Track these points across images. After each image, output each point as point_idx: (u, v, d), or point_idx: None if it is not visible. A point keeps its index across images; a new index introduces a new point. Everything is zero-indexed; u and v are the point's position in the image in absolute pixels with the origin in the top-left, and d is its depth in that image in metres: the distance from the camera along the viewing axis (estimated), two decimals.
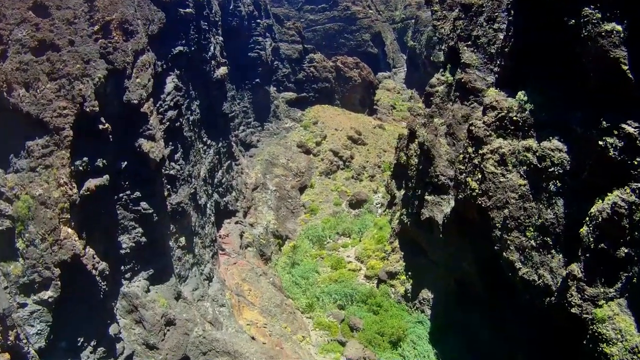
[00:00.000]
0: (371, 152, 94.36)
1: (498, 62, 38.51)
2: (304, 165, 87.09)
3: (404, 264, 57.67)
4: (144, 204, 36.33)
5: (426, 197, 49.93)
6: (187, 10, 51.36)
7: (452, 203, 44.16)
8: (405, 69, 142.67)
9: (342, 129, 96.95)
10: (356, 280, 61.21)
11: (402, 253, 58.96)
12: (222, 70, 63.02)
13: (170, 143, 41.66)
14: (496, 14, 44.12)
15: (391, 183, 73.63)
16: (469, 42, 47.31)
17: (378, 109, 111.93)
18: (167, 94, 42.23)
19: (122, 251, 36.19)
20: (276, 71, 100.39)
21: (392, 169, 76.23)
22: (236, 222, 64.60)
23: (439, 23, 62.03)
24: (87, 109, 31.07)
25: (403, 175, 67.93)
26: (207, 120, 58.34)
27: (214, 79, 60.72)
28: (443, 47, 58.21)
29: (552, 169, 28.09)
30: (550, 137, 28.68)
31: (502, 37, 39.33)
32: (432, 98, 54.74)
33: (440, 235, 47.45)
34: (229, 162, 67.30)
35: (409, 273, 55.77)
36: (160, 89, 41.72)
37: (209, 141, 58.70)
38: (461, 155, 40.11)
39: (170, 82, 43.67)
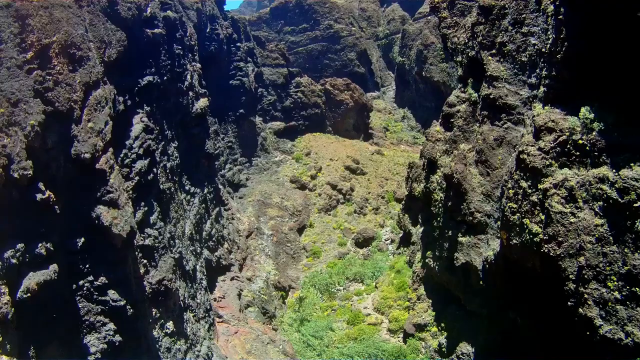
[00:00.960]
0: (372, 182, 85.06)
1: (539, 73, 32.77)
2: (300, 202, 77.53)
3: (433, 313, 50.15)
4: (112, 294, 26.35)
5: (459, 238, 42.06)
6: (157, 30, 41.66)
7: (494, 244, 37.42)
8: (394, 87, 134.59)
9: (337, 159, 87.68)
10: (379, 336, 52.68)
11: (430, 301, 51.61)
12: (203, 102, 53.46)
13: (143, 203, 31.75)
14: (523, 15, 37.21)
15: (404, 218, 64.80)
16: (494, 51, 40.25)
17: (374, 133, 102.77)
18: (135, 139, 32.37)
19: (91, 358, 25.96)
20: (261, 99, 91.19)
21: (403, 202, 67.03)
22: (232, 279, 55.07)
23: (449, 31, 54.66)
24: (16, 174, 20.98)
25: (418, 209, 60.93)
26: (188, 164, 48.75)
27: (193, 113, 51.09)
28: (460, 59, 50.51)
29: (639, 203, 22.42)
30: (632, 164, 23.28)
31: (534, 42, 35.28)
32: (452, 120, 47.50)
33: (481, 282, 40.17)
34: (217, 209, 57.60)
35: (441, 324, 48.26)
36: (124, 132, 31.86)
37: (192, 189, 49.00)
38: (510, 191, 32.19)
39: (138, 123, 33.85)
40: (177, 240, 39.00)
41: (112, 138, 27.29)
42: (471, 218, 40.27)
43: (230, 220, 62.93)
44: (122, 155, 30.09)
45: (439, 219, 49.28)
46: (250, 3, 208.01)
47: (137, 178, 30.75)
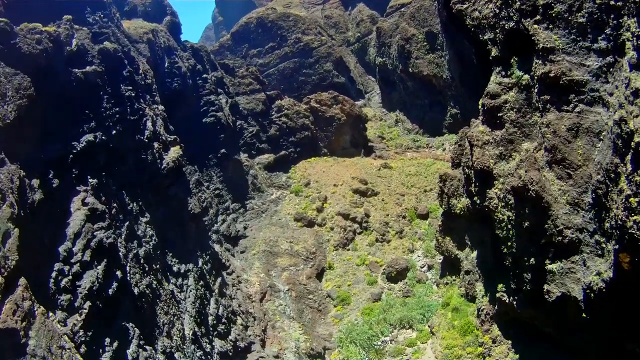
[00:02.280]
0: (388, 202, 73.48)
1: (612, 33, 26.48)
2: (311, 242, 65.76)
3: (516, 356, 40.30)
4: None
5: (548, 266, 32.31)
6: (89, 69, 29.80)
7: (596, 265, 29.03)
8: (379, 92, 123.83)
9: (342, 183, 76.03)
10: None
11: (509, 342, 41.46)
12: (174, 151, 41.89)
13: (108, 340, 19.74)
14: None
15: (444, 241, 53.65)
16: (538, 17, 32.46)
17: (374, 146, 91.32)
18: (75, 237, 20.27)
19: None
20: (242, 133, 79.58)
21: (440, 222, 55.37)
22: None
23: (465, 6, 45.13)
24: None
25: (462, 229, 50.16)
26: (172, 236, 36.91)
27: (164, 169, 39.36)
28: (491, 36, 40.63)
29: None
30: None
31: None
32: (500, 114, 37.54)
33: (584, 315, 30.97)
34: (219, 278, 45.93)
35: None
36: (57, 231, 19.74)
37: (182, 267, 37.33)
38: (632, 200, 22.25)
39: (79, 209, 22.04)
40: (177, 354, 27.00)
41: (27, 255, 15.29)
42: (560, 238, 30.87)
43: (237, 286, 51.14)
44: (54, 273, 17.99)
45: (509, 243, 38.21)
46: (208, 37, 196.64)
47: (87, 305, 18.67)
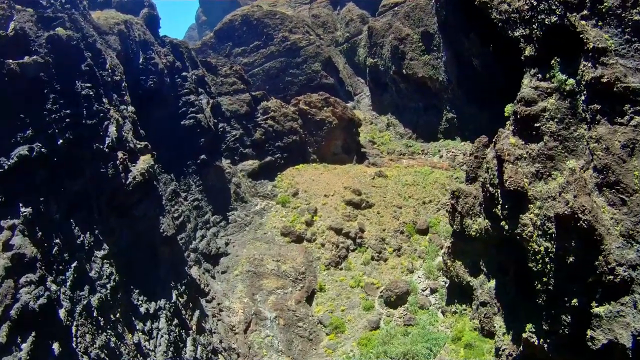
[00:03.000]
0: (384, 215, 67.11)
1: None
2: (300, 261, 59.16)
3: None
4: None
5: (595, 309, 27.24)
6: (28, 60, 22.84)
7: None
8: (368, 94, 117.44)
9: (333, 193, 69.56)
10: None
11: None
12: (144, 162, 35.10)
13: None
14: None
15: (454, 264, 47.81)
16: (585, 12, 28.58)
17: (367, 152, 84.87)
18: None
19: None
20: (224, 136, 72.81)
21: (449, 245, 49.10)
22: None
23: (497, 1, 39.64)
24: None
25: (476, 253, 45.00)
26: (136, 267, 29.93)
27: (129, 185, 32.36)
28: (525, 32, 34.91)
29: None
30: None
31: None
32: (536, 124, 32.42)
33: None
34: (197, 311, 39.11)
35: None
36: None
37: (151, 306, 30.57)
38: None
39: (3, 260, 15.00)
40: None
41: None
42: (611, 277, 26.17)
43: (217, 316, 44.40)
44: None
45: (545, 279, 32.13)
46: (192, 37, 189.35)
47: None
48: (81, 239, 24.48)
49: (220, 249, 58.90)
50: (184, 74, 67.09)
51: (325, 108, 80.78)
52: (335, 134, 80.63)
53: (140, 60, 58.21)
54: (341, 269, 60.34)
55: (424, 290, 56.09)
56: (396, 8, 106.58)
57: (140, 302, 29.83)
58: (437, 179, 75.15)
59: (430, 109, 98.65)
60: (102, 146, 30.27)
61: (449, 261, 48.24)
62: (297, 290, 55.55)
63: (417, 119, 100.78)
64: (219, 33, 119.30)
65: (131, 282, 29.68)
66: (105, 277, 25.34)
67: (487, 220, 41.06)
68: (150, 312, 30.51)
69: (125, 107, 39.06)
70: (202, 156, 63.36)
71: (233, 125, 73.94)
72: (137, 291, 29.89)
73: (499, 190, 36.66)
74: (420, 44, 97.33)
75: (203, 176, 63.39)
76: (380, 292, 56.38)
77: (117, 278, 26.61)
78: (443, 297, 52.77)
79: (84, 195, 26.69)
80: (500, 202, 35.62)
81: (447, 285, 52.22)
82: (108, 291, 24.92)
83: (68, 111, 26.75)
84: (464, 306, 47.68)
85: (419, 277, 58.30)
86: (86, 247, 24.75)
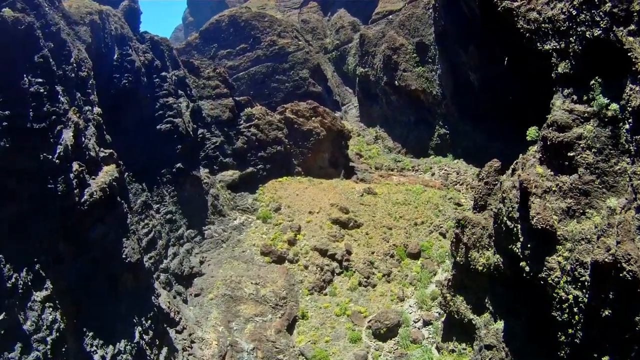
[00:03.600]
0: (373, 236, 62.23)
1: None
2: (281, 284, 53.90)
3: None
4: None
5: None
6: None
7: None
8: (357, 104, 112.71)
9: (319, 210, 64.52)
10: None
11: None
12: (106, 174, 29.83)
13: None
14: None
15: (454, 299, 43.41)
16: (632, 27, 24.60)
17: (356, 166, 79.89)
18: None
19: None
20: (203, 143, 67.46)
21: (451, 277, 44.16)
22: None
23: (518, 4, 34.57)
24: None
25: (481, 289, 40.02)
26: (90, 304, 24.52)
27: (84, 203, 26.79)
28: (558, 46, 30.09)
29: None
30: None
31: None
32: (570, 153, 28.59)
33: None
34: (165, 349, 33.65)
35: None
36: None
37: (108, 352, 24.89)
38: None
39: None
40: None
41: None
42: None
43: (189, 349, 39.11)
44: None
45: (570, 330, 27.39)
46: (178, 38, 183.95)
47: None
48: (13, 280, 19.13)
49: (194, 269, 53.51)
50: (163, 74, 61.81)
51: (313, 118, 75.80)
52: (322, 146, 75.62)
53: (115, 56, 52.88)
54: (326, 295, 55.19)
55: (416, 322, 51.30)
56: (390, 16, 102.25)
57: (94, 347, 24.46)
58: (430, 199, 70.42)
59: (421, 123, 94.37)
60: (51, 156, 24.78)
61: (448, 295, 43.23)
62: (277, 317, 50.25)
63: (407, 133, 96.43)
64: (205, 34, 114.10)
65: (83, 323, 24.34)
66: (45, 327, 20.00)
67: (498, 256, 36.26)
68: (107, 356, 25.08)
69: (90, 108, 33.71)
70: (178, 164, 58.02)
71: (213, 131, 68.61)
72: (90, 334, 24.54)
73: (518, 226, 31.84)
74: (415, 55, 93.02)
75: (178, 186, 58.01)
76: (369, 323, 51.30)
77: (62, 326, 21.25)
78: (438, 331, 47.83)
79: (20, 221, 21.28)
80: (521, 240, 30.73)
81: (443, 319, 47.19)
82: (48, 347, 19.56)
83: (7, 112, 21.41)
84: (463, 345, 42.64)
85: (410, 307, 53.45)
86: (20, 290, 19.40)
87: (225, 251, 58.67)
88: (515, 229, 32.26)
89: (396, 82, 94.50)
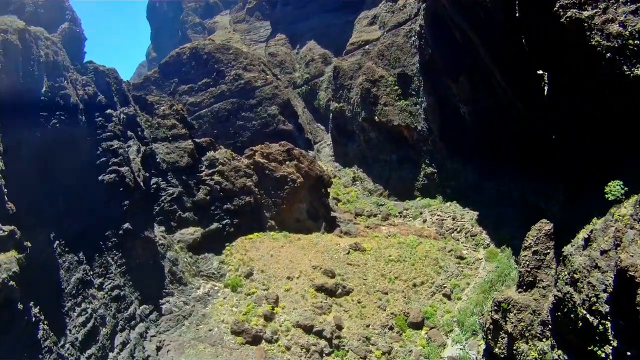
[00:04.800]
0: (366, 304, 51.62)
1: None
2: None
3: None
4: None
5: None
6: None
7: None
8: (330, 142, 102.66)
9: (299, 275, 53.78)
10: None
11: None
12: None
13: None
14: None
15: None
16: None
17: (337, 217, 69.15)
18: None
19: None
20: (158, 196, 56.20)
21: None
22: None
23: (587, 13, 23.66)
24: None
25: None
26: None
27: None
28: None
29: None
30: None
31: None
32: None
33: None
34: None
35: None
36: None
37: None
38: None
39: None
40: None
41: None
42: None
43: None
44: None
45: None
46: (141, 75, 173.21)
47: None
48: None
49: (149, 358, 41.93)
50: (108, 111, 50.86)
51: (287, 162, 65.09)
52: (299, 195, 64.65)
53: (44, 89, 41.63)
54: None
55: None
56: (367, 46, 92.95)
57: None
58: (428, 253, 60.25)
59: (405, 162, 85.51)
60: None
61: None
62: None
63: (389, 173, 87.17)
64: (164, 68, 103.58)
65: None
66: None
67: (559, 351, 25.96)
68: None
69: None
70: (126, 224, 46.70)
71: (170, 181, 57.41)
72: None
73: (608, 324, 21.61)
74: (396, 87, 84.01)
75: (127, 252, 46.66)
76: None
77: None
78: None
79: None
80: (615, 344, 20.52)
81: None
82: None
83: None
84: None
85: None
86: None
87: (188, 331, 47.11)
88: (601, 326, 22.04)
89: (376, 117, 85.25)
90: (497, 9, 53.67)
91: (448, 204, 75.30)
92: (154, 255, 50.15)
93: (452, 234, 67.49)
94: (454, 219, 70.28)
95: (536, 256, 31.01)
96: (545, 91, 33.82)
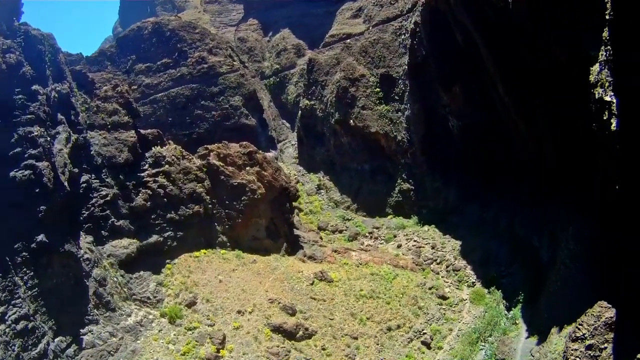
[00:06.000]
0: (332, 352, 42.81)
1: None
2: None
3: None
4: None
5: None
6: None
7: None
8: (295, 142, 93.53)
9: (252, 309, 44.43)
10: None
11: None
12: None
13: None
14: None
15: None
16: None
17: (301, 236, 59.43)
18: None
19: None
20: (87, 198, 45.52)
21: None
22: None
23: None
24: None
25: None
26: None
27: None
28: None
29: None
30: None
31: None
32: None
33: None
34: None
35: None
36: None
37: None
38: None
39: None
40: None
41: None
42: None
43: None
44: None
45: None
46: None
47: None
48: None
49: None
50: (34, 87, 40.57)
51: (248, 168, 55.00)
52: (258, 209, 54.46)
53: None
54: None
55: None
56: (349, 40, 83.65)
57: None
58: (405, 288, 51.74)
59: (378, 173, 77.95)
60: None
61: None
62: None
63: (359, 184, 79.32)
64: (122, 42, 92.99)
65: None
66: None
67: None
68: None
69: None
70: (41, 237, 36.39)
71: (104, 180, 46.89)
72: None
73: None
74: (378, 89, 75.75)
75: (40, 271, 36.52)
76: None
77: None
78: None
79: None
80: None
81: None
82: None
83: None
84: None
85: None
86: None
87: None
88: None
89: (351, 120, 76.69)
90: (515, 11, 44.91)
91: (426, 227, 67.16)
92: (77, 274, 39.86)
93: (432, 265, 59.17)
94: (433, 248, 61.90)
95: (590, 352, 22.28)
96: (613, 122, 24.98)
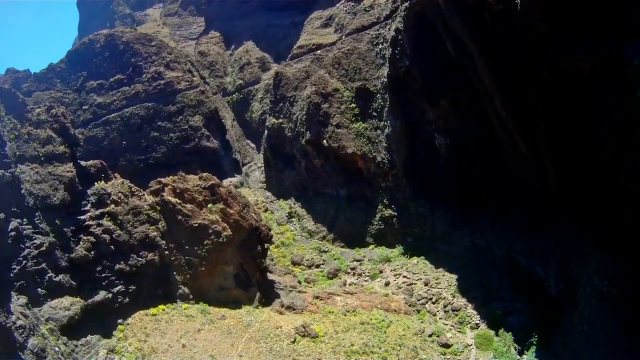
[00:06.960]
0: None
1: None
2: None
3: None
4: None
5: None
6: None
7: None
8: (262, 165, 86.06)
9: None
10: None
11: None
12: None
13: None
14: None
15: None
16: None
17: (277, 281, 51.26)
18: None
19: None
20: (18, 250, 36.85)
21: None
22: None
23: None
24: None
25: None
26: None
27: None
28: None
29: None
30: None
31: None
32: None
33: None
34: None
35: None
36: None
37: None
38: None
39: None
40: None
41: None
42: None
43: None
44: None
45: None
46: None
47: None
48: None
49: None
50: None
51: (210, 205, 46.55)
52: (225, 255, 45.60)
53: None
54: None
55: None
56: (319, 51, 76.54)
57: None
58: (402, 338, 44.70)
59: (356, 199, 71.10)
60: None
61: None
62: None
63: (335, 211, 72.29)
64: (73, 56, 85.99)
65: None
66: None
67: None
68: None
69: None
70: None
71: (38, 224, 38.27)
72: None
73: None
74: (354, 105, 69.08)
75: None
76: None
77: None
78: None
79: None
80: None
81: None
82: None
83: None
84: None
85: None
86: None
87: None
88: None
89: (325, 140, 69.78)
90: (524, 15, 38.47)
91: (414, 260, 60.31)
92: (7, 348, 31.41)
93: (427, 305, 52.16)
94: (426, 284, 54.77)
95: None
96: None
